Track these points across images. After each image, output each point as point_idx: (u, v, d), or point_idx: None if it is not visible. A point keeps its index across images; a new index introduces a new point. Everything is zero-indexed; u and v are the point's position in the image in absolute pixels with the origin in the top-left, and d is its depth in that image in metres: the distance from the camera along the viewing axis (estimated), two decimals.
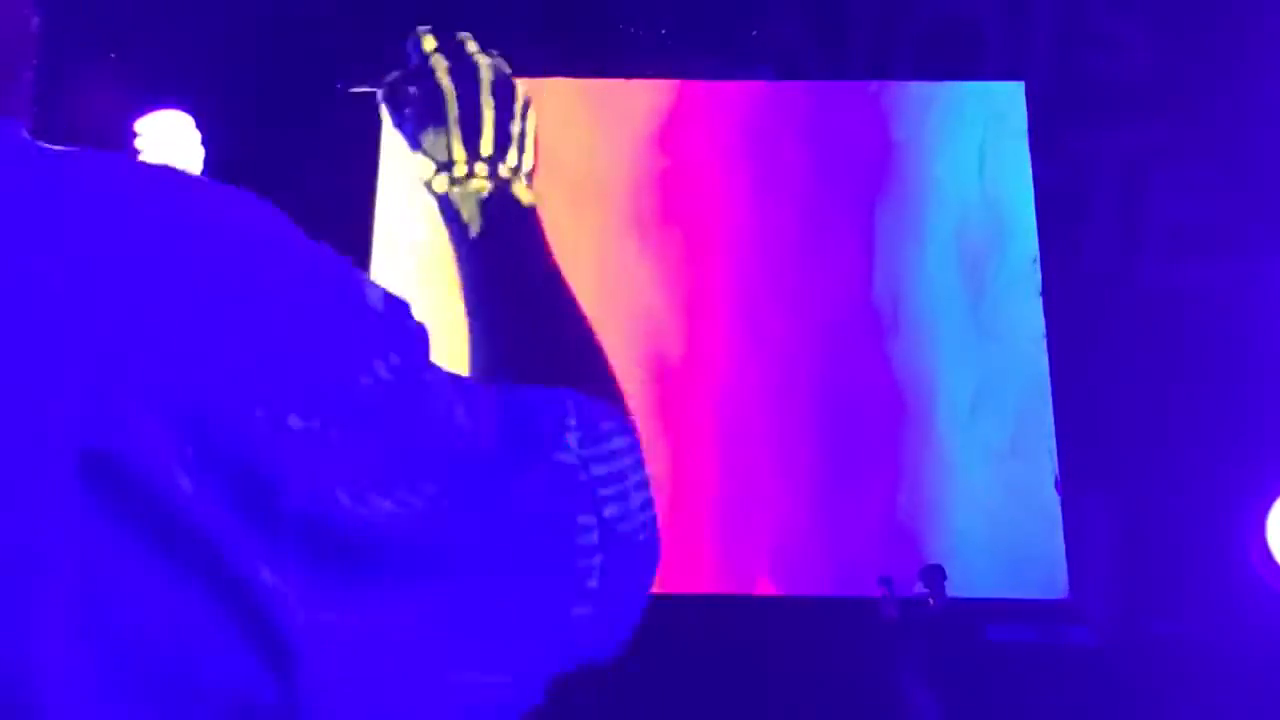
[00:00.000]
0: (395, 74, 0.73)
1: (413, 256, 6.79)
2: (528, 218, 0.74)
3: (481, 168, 0.72)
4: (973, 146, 7.12)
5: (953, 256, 6.97)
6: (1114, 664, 5.33)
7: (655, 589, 0.54)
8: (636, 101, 7.35)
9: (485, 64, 0.73)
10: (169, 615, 0.29)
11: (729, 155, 7.22)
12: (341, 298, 0.38)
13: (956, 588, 5.61)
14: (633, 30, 7.39)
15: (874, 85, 7.26)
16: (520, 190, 0.74)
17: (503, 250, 0.71)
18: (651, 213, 7.04)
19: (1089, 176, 6.46)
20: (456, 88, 0.72)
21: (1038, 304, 6.73)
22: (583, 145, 7.28)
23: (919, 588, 5.61)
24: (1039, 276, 6.77)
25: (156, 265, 0.32)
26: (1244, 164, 5.78)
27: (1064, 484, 6.15)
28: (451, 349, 0.59)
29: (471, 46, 0.74)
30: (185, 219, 0.34)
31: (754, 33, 7.12)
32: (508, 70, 0.75)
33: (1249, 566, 5.69)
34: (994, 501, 6.32)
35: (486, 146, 0.72)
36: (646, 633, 0.55)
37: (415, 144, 0.73)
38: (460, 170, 0.72)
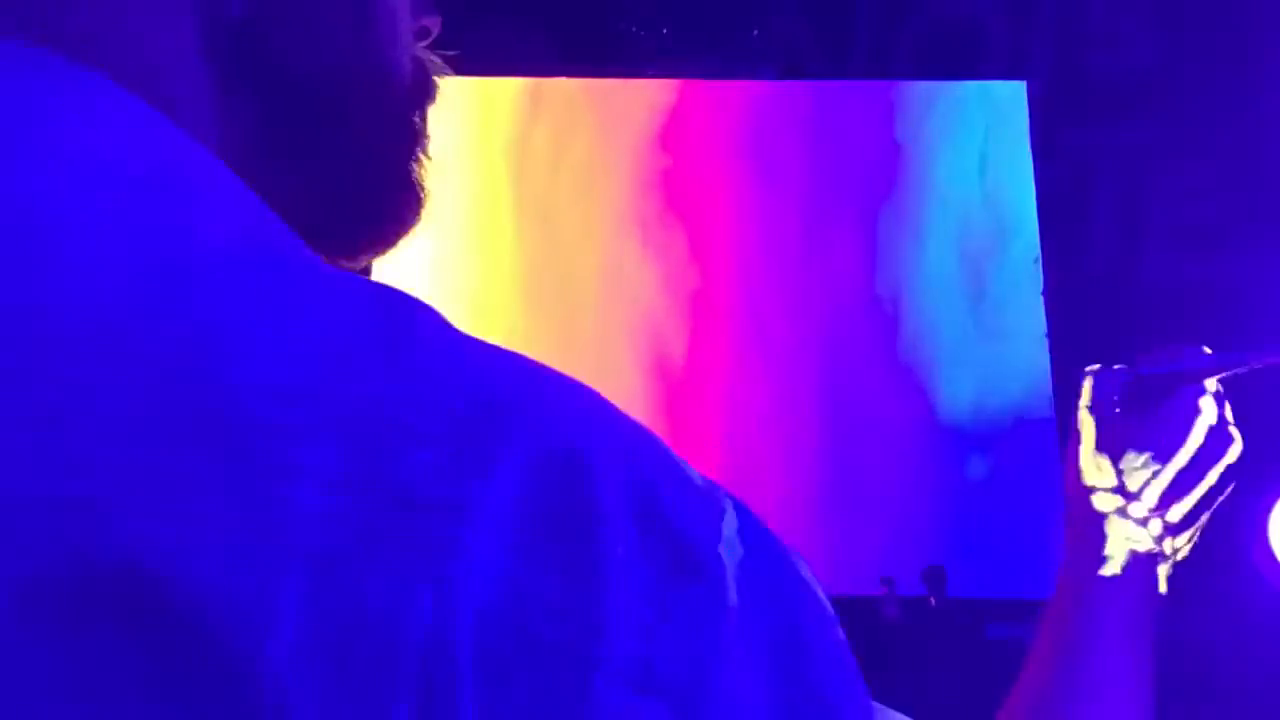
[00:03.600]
0: (1179, 371, 0.66)
1: (415, 256, 6.75)
2: (1149, 604, 0.66)
3: (1157, 525, 0.66)
4: (974, 146, 7.11)
5: (954, 256, 6.96)
6: None
7: None
8: (639, 101, 7.34)
9: (1238, 446, 0.67)
10: None
11: (731, 155, 7.21)
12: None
13: (957, 587, 5.61)
14: (635, 30, 7.38)
15: (876, 85, 7.26)
16: (1162, 577, 0.67)
17: (1106, 608, 0.65)
18: (653, 212, 7.02)
19: (1090, 176, 6.45)
20: (1206, 444, 0.66)
21: (1039, 303, 6.73)
22: (585, 145, 7.26)
23: (921, 587, 5.62)
24: (1040, 276, 6.77)
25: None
26: (1246, 162, 5.78)
27: None
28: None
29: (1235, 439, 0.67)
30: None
31: (755, 32, 7.11)
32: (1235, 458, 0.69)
33: (1250, 566, 5.71)
34: (995, 500, 6.32)
35: (1176, 514, 0.66)
36: None
37: (1109, 446, 0.67)
38: (1139, 511, 0.66)
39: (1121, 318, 6.73)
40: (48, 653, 0.23)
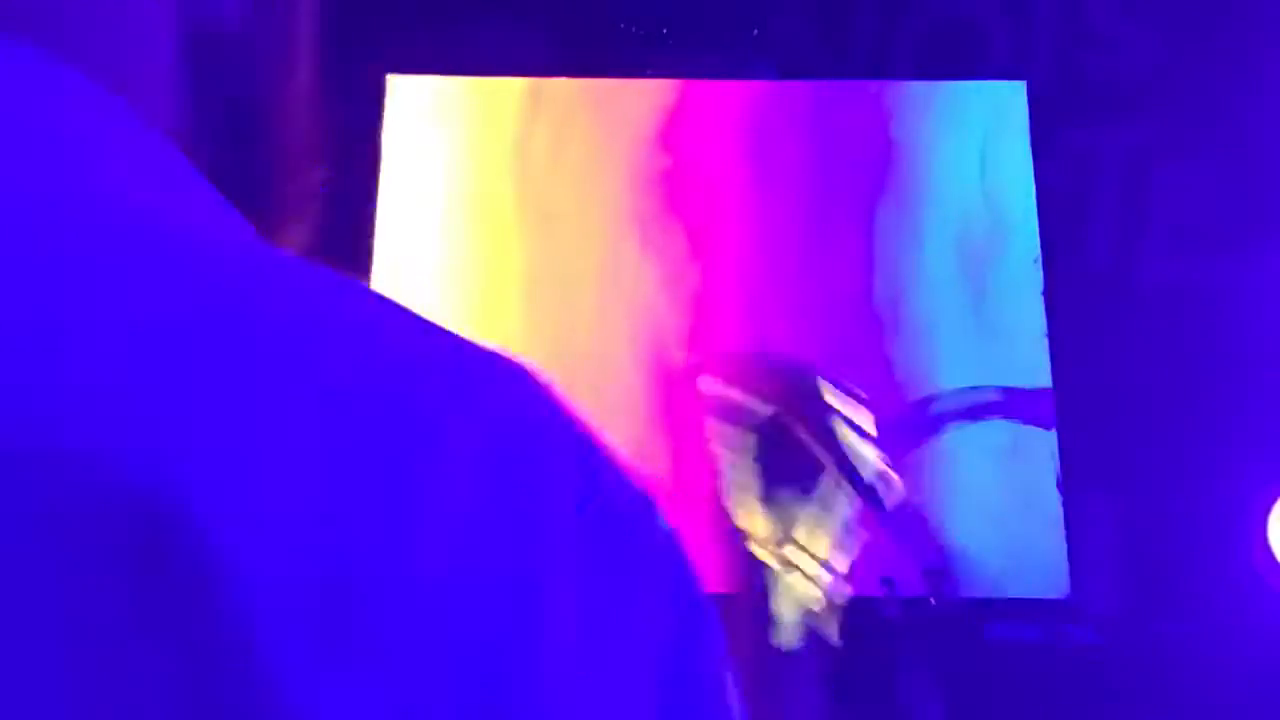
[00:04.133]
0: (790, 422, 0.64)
1: (416, 256, 6.70)
2: (825, 660, 0.62)
3: (812, 567, 0.64)
4: (974, 146, 7.07)
5: (954, 256, 6.91)
6: (1115, 663, 5.31)
7: None
8: (638, 100, 7.28)
9: (894, 484, 0.67)
10: None
11: (731, 154, 7.16)
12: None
13: (959, 588, 5.59)
14: (634, 29, 7.34)
15: (875, 85, 7.21)
16: (830, 624, 0.63)
17: (791, 677, 0.61)
18: (653, 211, 6.98)
19: (1091, 176, 6.42)
20: (851, 486, 0.63)
21: (1039, 303, 6.68)
22: (584, 144, 7.22)
23: (923, 586, 5.60)
24: (1041, 276, 6.73)
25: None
26: (1249, 163, 5.75)
27: (1065, 483, 6.12)
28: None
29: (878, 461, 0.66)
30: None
31: (755, 32, 7.08)
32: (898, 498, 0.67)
33: (1251, 566, 5.68)
34: (996, 501, 6.29)
35: (825, 550, 0.64)
36: None
37: (767, 491, 0.65)
38: (796, 556, 0.64)
39: (1122, 318, 6.69)
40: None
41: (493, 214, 5.91)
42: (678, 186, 6.13)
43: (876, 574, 5.73)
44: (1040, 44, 5.59)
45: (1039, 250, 5.32)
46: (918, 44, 5.64)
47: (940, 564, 5.21)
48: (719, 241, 6.24)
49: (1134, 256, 5.47)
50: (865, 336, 6.44)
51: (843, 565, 0.62)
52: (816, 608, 0.61)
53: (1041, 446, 5.77)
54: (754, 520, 0.64)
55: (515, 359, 0.29)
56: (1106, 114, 5.21)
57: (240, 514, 0.24)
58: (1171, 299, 5.15)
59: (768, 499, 0.65)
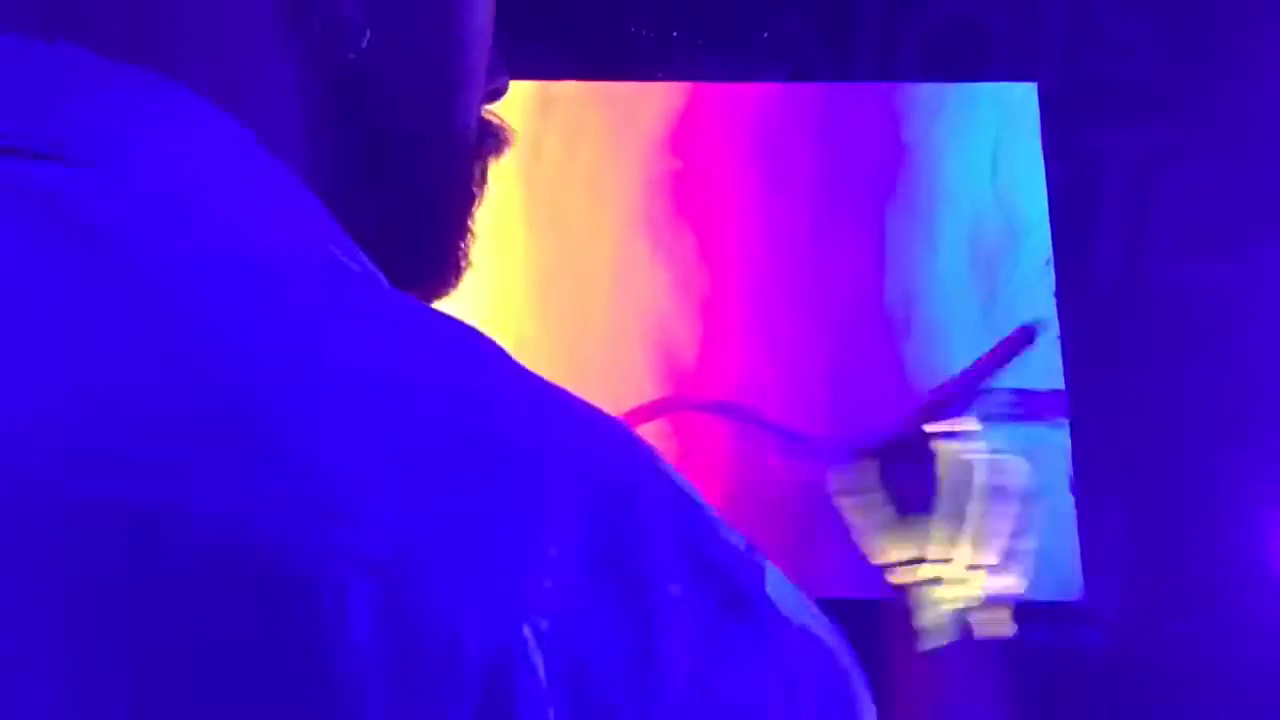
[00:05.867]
0: (887, 443, 0.65)
1: None
2: (985, 652, 0.60)
3: (955, 573, 0.62)
4: (985, 148, 7.07)
5: (965, 258, 6.92)
6: (1128, 666, 5.30)
7: None
8: (647, 104, 7.31)
9: (987, 462, 0.67)
10: None
11: (741, 157, 7.18)
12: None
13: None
14: (643, 33, 7.36)
15: (885, 87, 7.22)
16: (988, 619, 0.61)
17: (950, 679, 0.59)
18: (663, 214, 7.00)
19: (1103, 177, 6.42)
20: (956, 479, 0.65)
21: (1051, 305, 6.68)
22: (594, 148, 7.25)
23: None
24: (1053, 278, 6.73)
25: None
26: (1262, 164, 5.74)
27: (1079, 485, 6.12)
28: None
29: (980, 446, 0.67)
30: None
31: (765, 35, 7.10)
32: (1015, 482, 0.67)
33: (1266, 569, 5.67)
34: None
35: (992, 555, 0.63)
36: None
37: (890, 522, 0.65)
38: (933, 571, 0.61)
39: (1136, 319, 6.69)
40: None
41: (502, 216, 5.92)
42: (688, 190, 6.15)
43: (883, 577, 5.64)
44: (1051, 46, 5.60)
45: (1051, 252, 5.33)
46: (926, 46, 5.65)
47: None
48: (730, 244, 6.25)
49: (1147, 258, 5.48)
50: (876, 339, 6.45)
51: (994, 561, 0.63)
52: (969, 607, 0.62)
53: (1054, 448, 5.76)
54: (886, 551, 0.65)
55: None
56: (1119, 116, 5.22)
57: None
58: (1185, 300, 5.15)
59: (893, 526, 0.66)
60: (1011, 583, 0.63)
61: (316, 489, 0.24)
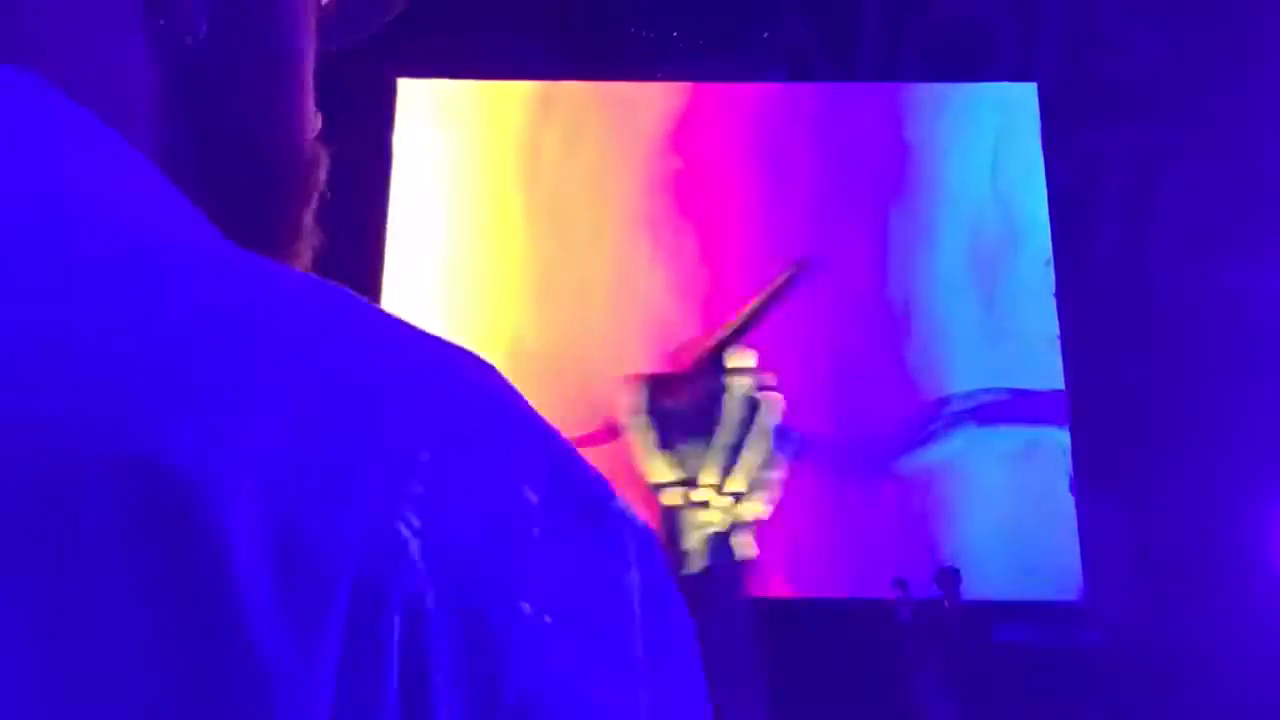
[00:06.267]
0: (682, 373, 0.71)
1: (426, 258, 6.77)
2: (740, 573, 0.70)
3: (722, 500, 0.70)
4: (985, 148, 7.10)
5: (965, 258, 6.94)
6: (1126, 665, 5.31)
7: None
8: (649, 104, 7.34)
9: (771, 403, 0.72)
10: None
11: (741, 157, 7.20)
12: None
13: (971, 589, 5.60)
14: (645, 34, 7.39)
15: (886, 87, 7.25)
16: (744, 543, 0.71)
17: (708, 597, 0.68)
18: (664, 214, 7.02)
19: (1102, 177, 6.43)
20: (739, 413, 0.70)
21: (1051, 305, 6.71)
22: (596, 147, 7.27)
23: (934, 588, 5.61)
24: (1052, 278, 6.75)
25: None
26: (1260, 163, 5.75)
27: (1078, 486, 6.13)
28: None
29: (765, 379, 0.72)
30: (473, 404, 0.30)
31: (765, 35, 7.11)
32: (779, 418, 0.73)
33: (1264, 569, 5.66)
34: (1008, 503, 6.30)
35: (737, 483, 0.71)
36: None
37: (665, 444, 0.71)
38: (703, 495, 0.70)
39: (1135, 319, 6.70)
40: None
41: (502, 216, 5.87)
42: (689, 189, 6.08)
43: (891, 576, 5.73)
44: (1051, 46, 5.58)
45: (1050, 252, 5.26)
46: (926, 47, 5.63)
47: (954, 566, 5.13)
48: (730, 243, 6.19)
49: (1146, 257, 5.44)
50: (878, 339, 6.40)
51: (755, 491, 0.69)
52: (722, 529, 0.68)
53: (1054, 449, 5.71)
54: (654, 471, 0.71)
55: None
56: (1118, 116, 5.18)
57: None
58: (1184, 300, 5.12)
59: (666, 447, 0.72)
60: (760, 509, 0.69)
61: (196, 401, 0.26)
